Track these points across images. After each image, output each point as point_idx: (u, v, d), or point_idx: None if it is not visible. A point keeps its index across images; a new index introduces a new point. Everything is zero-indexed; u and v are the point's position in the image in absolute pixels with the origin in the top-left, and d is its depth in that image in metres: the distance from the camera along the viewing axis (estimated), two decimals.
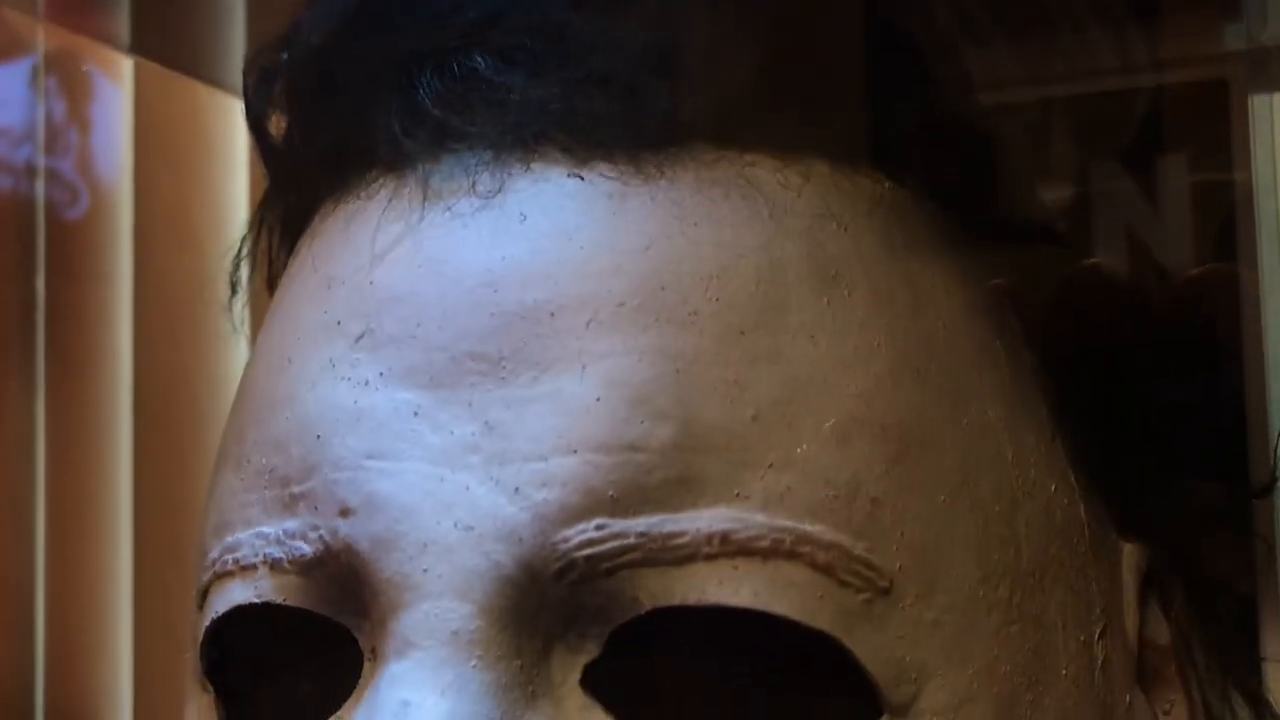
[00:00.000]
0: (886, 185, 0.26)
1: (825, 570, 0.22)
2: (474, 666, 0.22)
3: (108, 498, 0.67)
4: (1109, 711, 0.27)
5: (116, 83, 0.67)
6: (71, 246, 0.67)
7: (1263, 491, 0.32)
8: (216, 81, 0.65)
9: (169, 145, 0.66)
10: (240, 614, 0.25)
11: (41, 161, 0.68)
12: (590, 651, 0.23)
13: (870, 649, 0.23)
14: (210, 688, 0.26)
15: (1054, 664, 0.25)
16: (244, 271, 0.30)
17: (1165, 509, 0.30)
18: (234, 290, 0.31)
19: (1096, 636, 0.27)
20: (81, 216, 0.67)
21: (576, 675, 0.23)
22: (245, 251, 0.30)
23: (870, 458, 0.23)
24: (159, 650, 0.67)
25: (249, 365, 0.27)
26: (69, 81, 0.67)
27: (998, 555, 0.25)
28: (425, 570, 0.22)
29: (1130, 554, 0.28)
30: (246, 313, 0.31)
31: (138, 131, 0.66)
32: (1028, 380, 0.27)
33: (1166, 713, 0.29)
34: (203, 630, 0.26)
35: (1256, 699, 0.32)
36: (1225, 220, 0.33)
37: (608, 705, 0.23)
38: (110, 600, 0.65)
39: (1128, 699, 0.27)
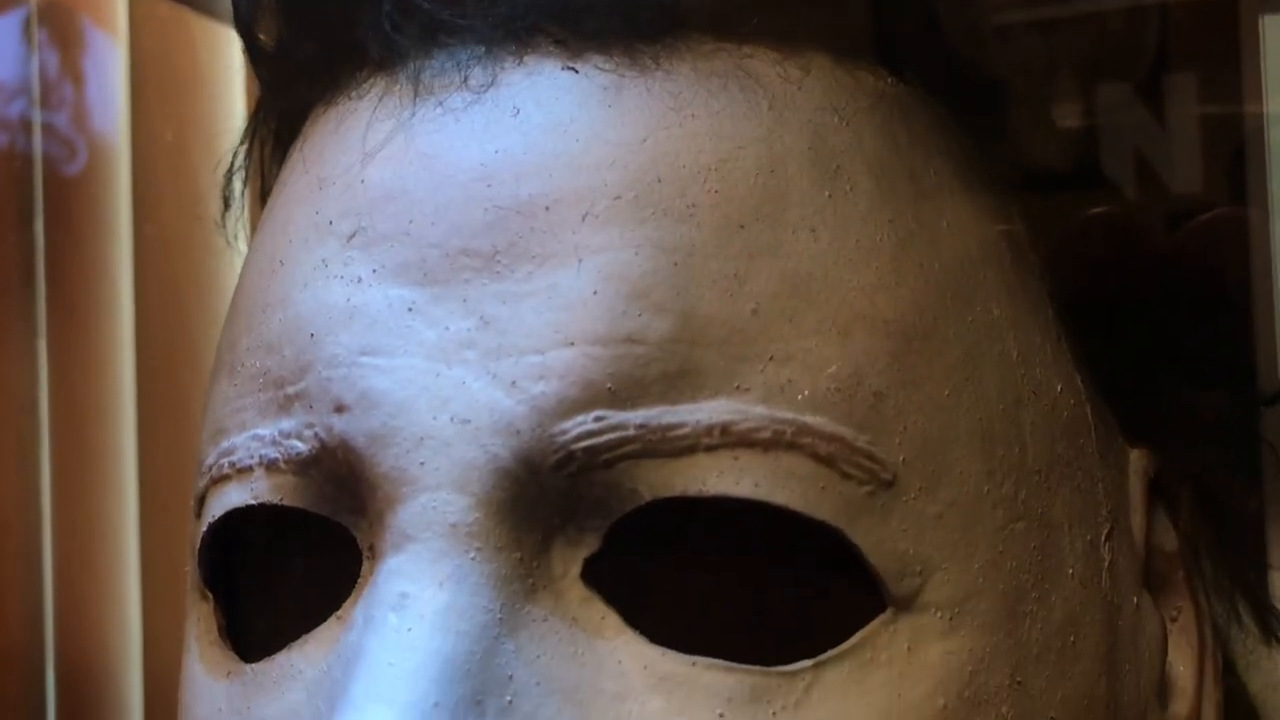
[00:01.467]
0: (889, 81, 0.26)
1: (827, 462, 0.22)
2: (472, 559, 0.22)
3: (112, 445, 0.67)
4: (1116, 613, 0.26)
5: (110, 29, 0.67)
6: (70, 195, 0.67)
7: (1271, 399, 0.31)
8: (212, 12, 0.64)
9: (166, 88, 0.66)
10: (238, 518, 0.25)
11: (37, 116, 0.67)
12: (590, 545, 0.22)
13: (873, 541, 0.22)
14: (209, 595, 0.26)
15: (1060, 563, 0.25)
16: (238, 185, 0.30)
17: (1173, 416, 0.29)
18: (227, 205, 0.30)
19: (1103, 538, 0.26)
20: (79, 166, 0.67)
21: (577, 569, 0.22)
22: (238, 164, 0.30)
23: (873, 351, 0.23)
24: (167, 599, 0.67)
25: (242, 274, 0.27)
26: (62, 33, 0.66)
27: (1003, 452, 0.24)
28: (422, 464, 0.22)
29: (1137, 459, 0.28)
30: (241, 228, 0.31)
31: (133, 74, 0.65)
32: (1033, 282, 0.27)
33: (1173, 619, 0.29)
34: (200, 537, 0.26)
35: (1262, 607, 0.31)
36: (1236, 146, 0.32)
37: (608, 599, 0.22)
38: (117, 548, 0.65)
39: (1135, 601, 0.27)
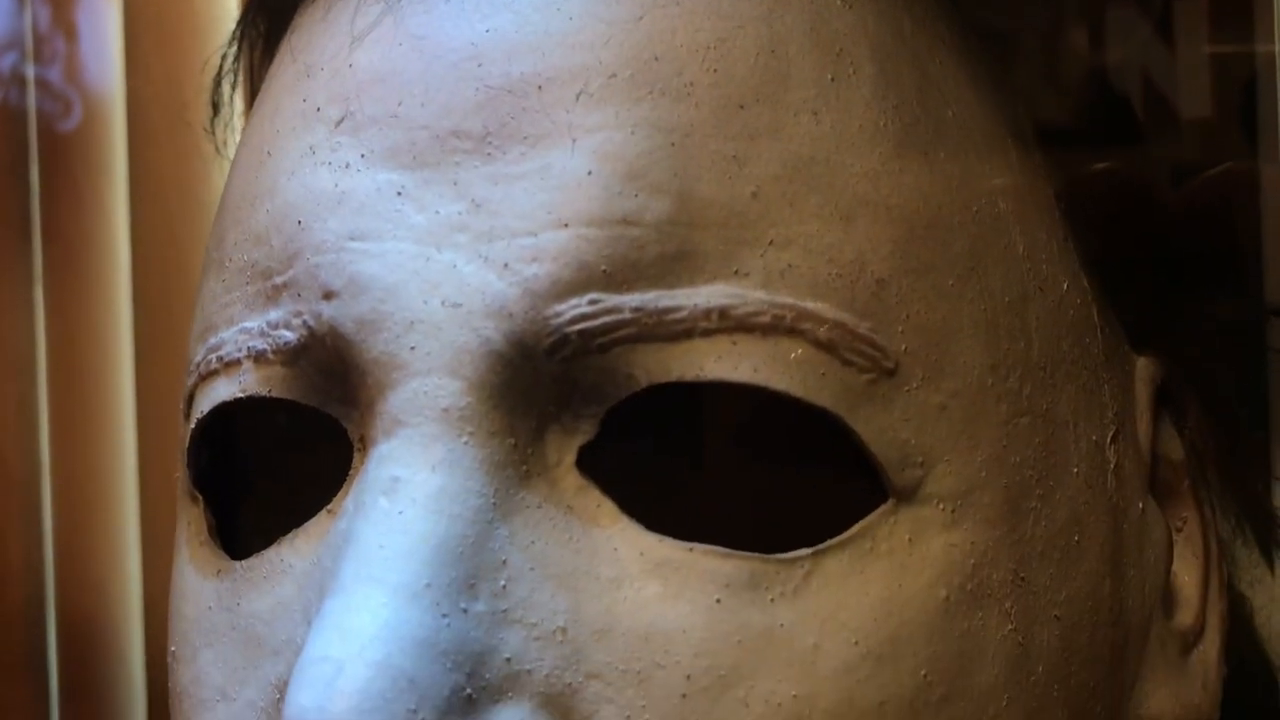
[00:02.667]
0: None
1: (827, 348, 0.22)
2: (465, 443, 0.21)
3: (111, 393, 0.67)
4: (1121, 516, 0.26)
5: None
6: (65, 146, 0.66)
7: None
8: None
9: (161, 40, 0.65)
10: (226, 414, 0.24)
11: (31, 71, 0.66)
12: (585, 433, 0.22)
13: (874, 430, 0.22)
14: (199, 496, 0.26)
15: (1065, 461, 0.25)
16: (226, 89, 0.29)
17: (1180, 325, 0.29)
18: (216, 110, 0.30)
19: (1109, 440, 0.26)
20: (75, 119, 0.66)
21: (571, 456, 0.22)
22: (227, 68, 0.29)
23: (875, 238, 0.22)
24: (167, 548, 0.67)
25: (230, 170, 0.26)
26: None
27: (1007, 345, 0.24)
28: (412, 348, 0.21)
29: (1144, 367, 0.28)
30: (230, 134, 0.30)
31: (127, 26, 0.65)
32: (1039, 183, 0.26)
33: (1179, 530, 0.28)
34: (188, 436, 0.25)
35: (1267, 520, 0.31)
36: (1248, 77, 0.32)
37: (604, 488, 0.22)
38: (117, 499, 0.65)
39: (1140, 507, 0.27)
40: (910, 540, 0.22)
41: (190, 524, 0.26)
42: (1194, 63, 0.32)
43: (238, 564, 0.24)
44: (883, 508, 0.22)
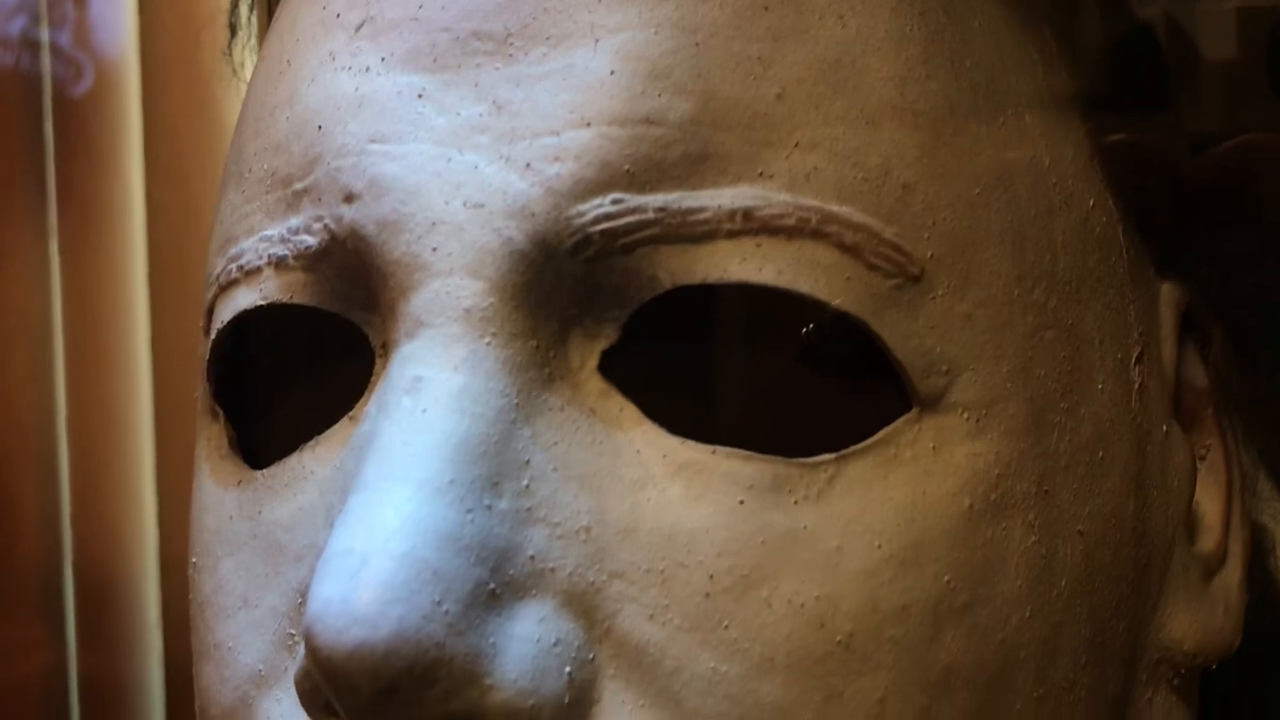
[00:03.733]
0: None
1: (853, 251, 0.21)
2: (488, 344, 0.21)
3: (126, 347, 0.67)
4: (1145, 437, 0.26)
5: None
6: (80, 104, 0.66)
7: None
8: None
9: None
10: (247, 326, 0.24)
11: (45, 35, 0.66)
12: (608, 336, 0.22)
13: (899, 336, 0.22)
14: (219, 410, 0.25)
15: (1090, 377, 0.25)
16: (244, 10, 0.29)
17: (1206, 252, 0.29)
18: (233, 32, 0.30)
19: (1134, 360, 0.26)
20: (89, 79, 0.66)
21: (594, 360, 0.22)
22: None
23: (901, 143, 0.22)
24: (183, 499, 0.67)
25: (249, 84, 0.26)
26: None
27: (1033, 257, 0.24)
28: (434, 249, 0.21)
29: (1169, 292, 0.27)
30: (248, 54, 0.30)
31: None
32: (1065, 101, 0.26)
33: (1202, 458, 0.28)
34: (208, 349, 0.25)
35: None
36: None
37: (626, 393, 0.22)
38: (132, 451, 0.65)
39: (1164, 430, 0.27)
40: (934, 448, 0.22)
41: (210, 440, 0.26)
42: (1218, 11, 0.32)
43: (258, 473, 0.24)
44: (907, 415, 0.22)
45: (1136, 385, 0.26)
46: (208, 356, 0.25)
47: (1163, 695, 0.27)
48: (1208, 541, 0.28)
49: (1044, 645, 0.23)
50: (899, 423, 0.22)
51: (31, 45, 0.67)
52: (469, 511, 0.20)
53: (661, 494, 0.21)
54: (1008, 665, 0.22)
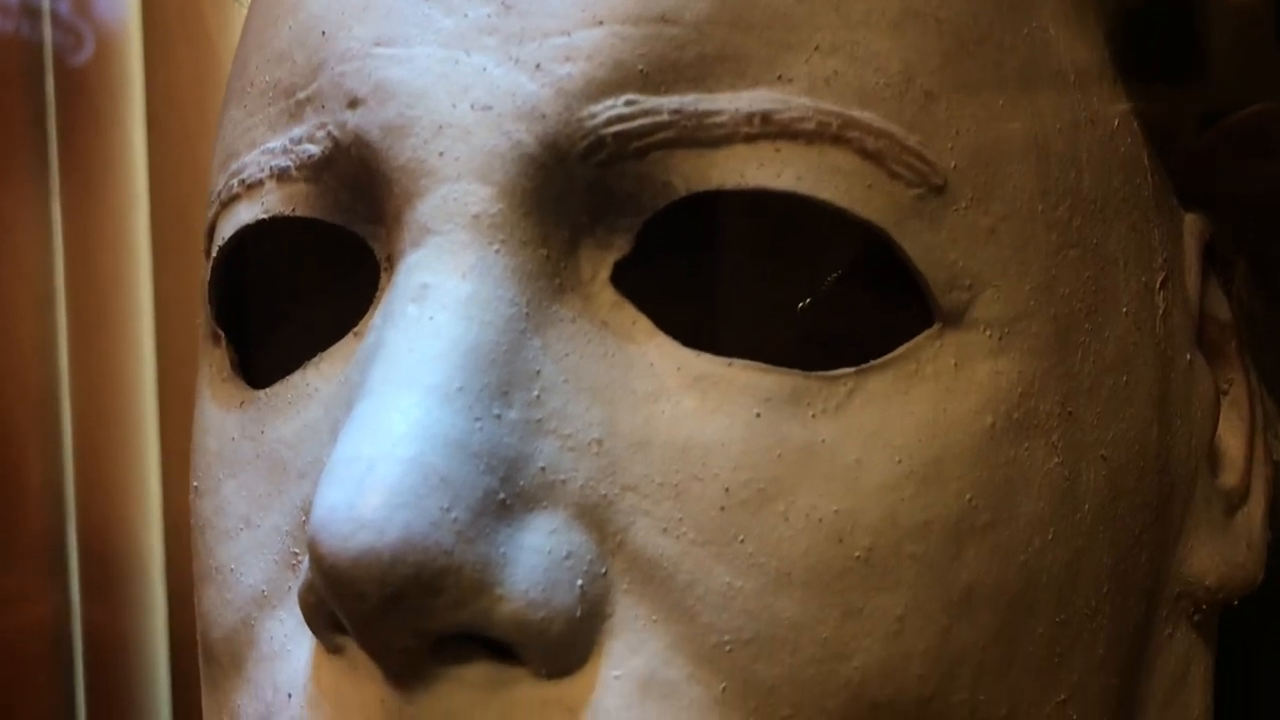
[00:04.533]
0: None
1: (875, 159, 0.21)
2: (496, 251, 0.20)
3: (129, 307, 0.66)
4: (1169, 364, 0.25)
5: None
6: (79, 76, 0.66)
7: None
8: None
9: None
10: (249, 247, 0.24)
11: None
12: (620, 248, 0.21)
13: (922, 248, 0.21)
14: (221, 334, 0.25)
15: (1114, 298, 0.24)
16: None
17: (1230, 184, 0.28)
18: None
19: (1158, 285, 0.25)
20: (90, 33, 0.66)
21: (606, 272, 0.21)
22: None
23: (924, 50, 0.22)
24: (186, 459, 0.67)
25: (250, 5, 0.25)
26: None
27: (1058, 173, 0.23)
28: (441, 154, 0.21)
29: (1191, 222, 0.27)
30: None
31: None
32: (1091, 19, 0.25)
33: (1224, 392, 0.28)
34: (209, 269, 0.25)
35: None
36: None
37: (639, 306, 0.21)
38: (136, 412, 0.65)
39: (1188, 359, 0.26)
40: (956, 365, 0.21)
41: (211, 366, 0.25)
42: None
43: (260, 393, 0.23)
44: (928, 331, 0.21)
45: (1161, 311, 0.25)
46: (209, 278, 0.25)
47: (1183, 631, 0.27)
48: (1230, 476, 0.27)
49: (1066, 569, 0.22)
50: (920, 338, 0.21)
51: (32, 12, 0.67)
52: (477, 420, 0.19)
53: (675, 406, 0.20)
54: (1030, 587, 0.22)
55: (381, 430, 0.19)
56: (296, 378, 0.23)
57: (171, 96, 0.63)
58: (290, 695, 0.21)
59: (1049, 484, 0.22)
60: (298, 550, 0.22)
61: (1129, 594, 0.24)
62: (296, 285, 0.25)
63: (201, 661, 0.24)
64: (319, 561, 0.18)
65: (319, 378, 0.23)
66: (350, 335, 0.22)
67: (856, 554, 0.20)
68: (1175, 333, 0.26)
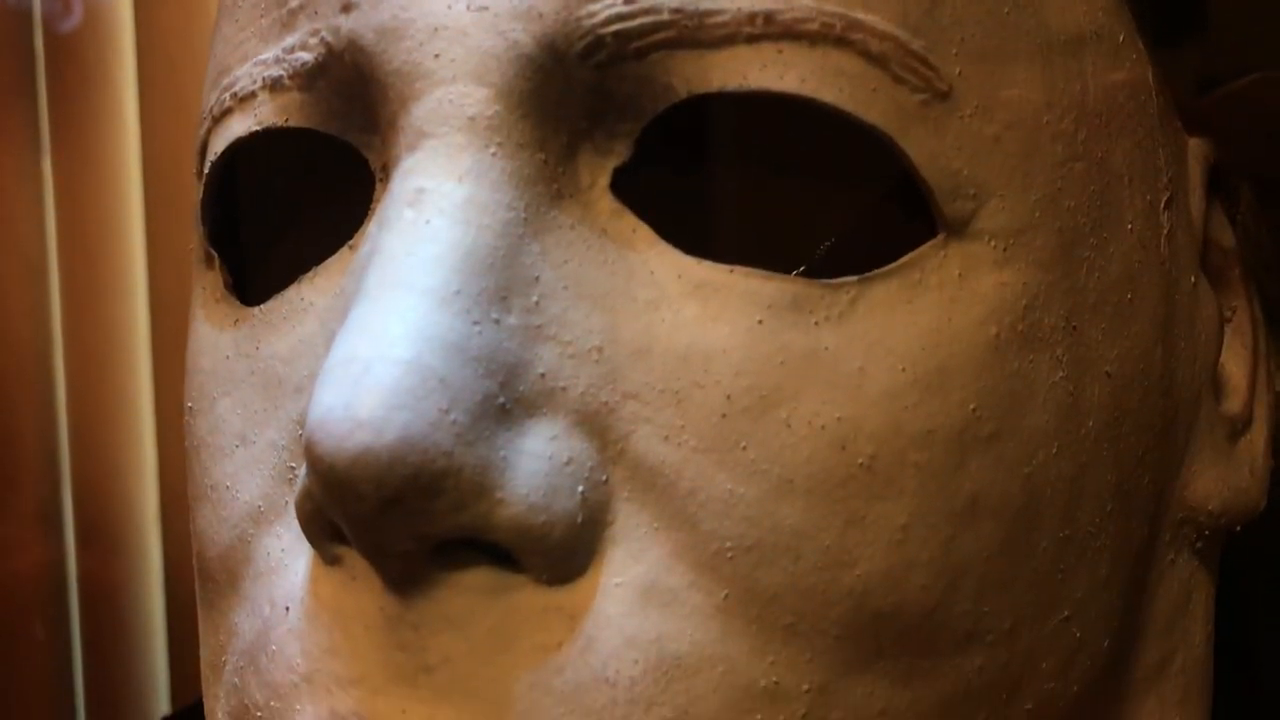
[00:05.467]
0: None
1: (879, 62, 0.20)
2: (493, 154, 0.20)
3: (121, 256, 0.66)
4: (1173, 286, 0.25)
5: None
6: (70, 32, 0.65)
7: None
8: None
9: None
10: (241, 162, 0.23)
11: None
12: (619, 154, 0.21)
13: (926, 154, 0.21)
14: (214, 254, 0.24)
15: (1119, 215, 0.24)
16: None
17: (1236, 109, 0.28)
18: None
19: (1163, 205, 0.25)
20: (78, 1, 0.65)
21: (605, 179, 0.21)
22: None
23: None
24: (179, 407, 0.67)
25: None
26: None
27: (1063, 85, 0.23)
28: (436, 56, 0.20)
29: (1196, 145, 0.26)
30: None
31: None
32: None
33: (1228, 319, 0.27)
34: (202, 188, 0.24)
35: None
36: None
37: (639, 214, 0.21)
38: (128, 358, 0.64)
39: (1192, 281, 0.26)
40: (960, 275, 0.21)
41: (205, 289, 0.25)
42: None
43: (255, 310, 0.23)
44: (933, 241, 0.21)
45: (1165, 231, 0.25)
46: (200, 198, 0.24)
47: (1185, 558, 0.27)
48: (1233, 403, 0.27)
49: (1070, 485, 0.22)
50: (925, 248, 0.21)
51: None
52: (476, 323, 0.19)
53: (676, 314, 0.20)
54: (1034, 501, 0.22)
55: (378, 332, 0.18)
56: (291, 293, 0.23)
57: (162, 59, 0.63)
58: (288, 609, 0.21)
59: (1053, 398, 0.22)
60: (294, 464, 0.22)
61: (1132, 515, 0.24)
62: (289, 204, 0.24)
63: (197, 582, 0.24)
64: (316, 463, 0.18)
65: (314, 292, 0.22)
66: (345, 248, 0.22)
67: (859, 461, 0.20)
68: (1179, 254, 0.25)
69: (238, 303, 0.24)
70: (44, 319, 0.65)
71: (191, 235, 0.26)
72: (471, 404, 0.18)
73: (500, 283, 0.19)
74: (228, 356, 0.23)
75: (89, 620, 0.60)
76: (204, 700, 0.24)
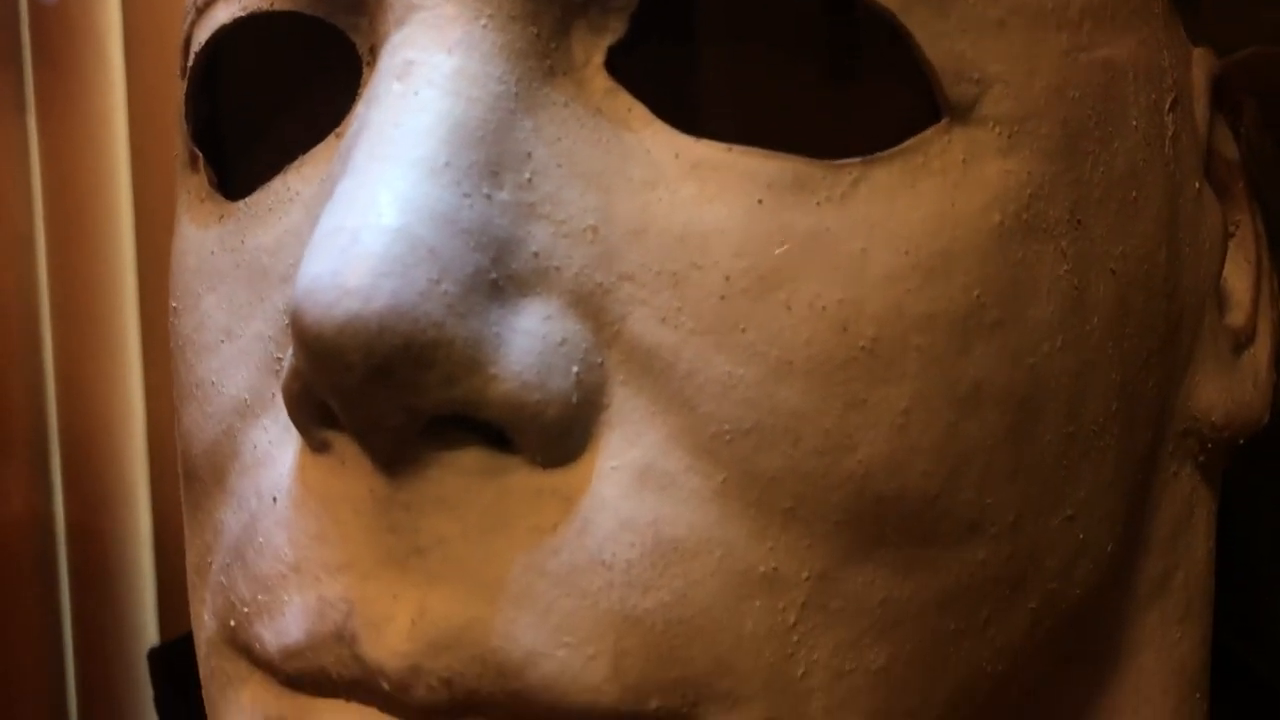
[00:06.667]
0: None
1: None
2: (484, 26, 0.19)
3: (108, 219, 0.65)
4: (1178, 189, 0.25)
5: None
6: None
7: None
8: None
9: None
10: (225, 59, 0.23)
11: None
12: (615, 31, 0.20)
13: (930, 35, 0.20)
14: (199, 154, 0.24)
15: (1123, 110, 0.23)
16: None
17: (1241, 22, 0.27)
18: None
19: (1167, 107, 0.24)
20: None
21: (600, 57, 0.20)
22: None
23: None
24: (168, 369, 0.66)
25: None
26: None
27: None
28: None
29: (1200, 55, 0.26)
30: None
31: None
32: None
33: (1231, 234, 0.27)
34: (186, 83, 0.24)
35: None
36: None
37: (635, 94, 0.20)
38: (116, 323, 0.64)
39: (1196, 187, 0.25)
40: (964, 161, 0.21)
41: (190, 192, 0.24)
42: None
43: (240, 204, 0.23)
44: (937, 125, 0.21)
45: (1170, 132, 0.24)
46: (185, 94, 0.24)
47: (1188, 472, 0.26)
48: (1236, 317, 0.27)
49: (1074, 381, 0.22)
50: (928, 132, 0.20)
51: None
52: (466, 196, 0.18)
53: (673, 194, 0.20)
54: (1038, 393, 0.21)
55: (366, 203, 0.18)
56: (277, 183, 0.22)
57: (147, 17, 0.62)
58: (275, 499, 0.20)
59: (1057, 290, 0.21)
60: (281, 355, 0.21)
61: (1136, 419, 0.24)
62: (274, 100, 0.24)
63: (183, 486, 0.23)
64: (302, 334, 0.18)
65: (300, 181, 0.22)
66: (332, 136, 0.22)
67: (861, 344, 0.19)
68: (1184, 158, 0.25)
69: (222, 199, 0.23)
70: (30, 271, 0.65)
71: (177, 147, 0.25)
72: (462, 275, 0.18)
73: (491, 157, 0.19)
74: (212, 253, 0.23)
75: (76, 565, 0.59)
76: (190, 607, 0.24)
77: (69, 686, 0.61)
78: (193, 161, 0.24)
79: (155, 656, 0.36)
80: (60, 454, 0.61)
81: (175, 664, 0.35)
